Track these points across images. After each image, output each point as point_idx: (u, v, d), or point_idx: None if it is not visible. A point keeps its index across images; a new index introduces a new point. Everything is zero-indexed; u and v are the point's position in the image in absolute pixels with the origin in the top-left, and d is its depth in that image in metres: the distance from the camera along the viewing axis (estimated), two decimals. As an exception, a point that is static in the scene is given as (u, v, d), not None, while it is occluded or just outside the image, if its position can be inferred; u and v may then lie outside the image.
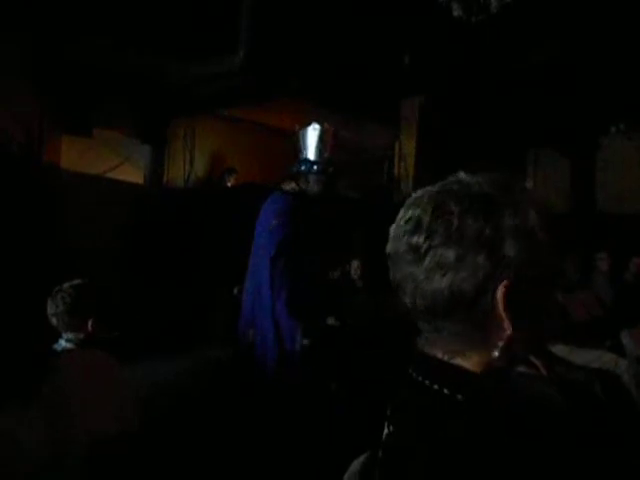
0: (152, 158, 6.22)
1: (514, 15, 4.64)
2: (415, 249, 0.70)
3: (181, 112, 6.12)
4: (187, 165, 6.90)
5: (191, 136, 6.82)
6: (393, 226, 0.75)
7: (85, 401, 1.83)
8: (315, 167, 2.61)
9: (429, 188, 0.76)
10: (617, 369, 2.89)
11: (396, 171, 7.75)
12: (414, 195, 0.76)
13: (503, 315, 0.69)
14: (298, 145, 2.72)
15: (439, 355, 0.73)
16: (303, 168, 2.66)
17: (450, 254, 0.68)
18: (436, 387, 0.71)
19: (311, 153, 2.66)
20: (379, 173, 8.11)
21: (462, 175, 0.75)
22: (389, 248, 0.75)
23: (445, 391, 0.70)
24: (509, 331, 0.70)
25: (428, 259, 0.69)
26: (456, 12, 4.65)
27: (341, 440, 2.14)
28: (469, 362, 0.72)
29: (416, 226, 0.71)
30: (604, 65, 5.87)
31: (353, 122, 7.26)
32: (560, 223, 0.76)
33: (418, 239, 0.70)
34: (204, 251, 5.01)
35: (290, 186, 2.74)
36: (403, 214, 0.74)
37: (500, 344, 0.71)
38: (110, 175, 5.61)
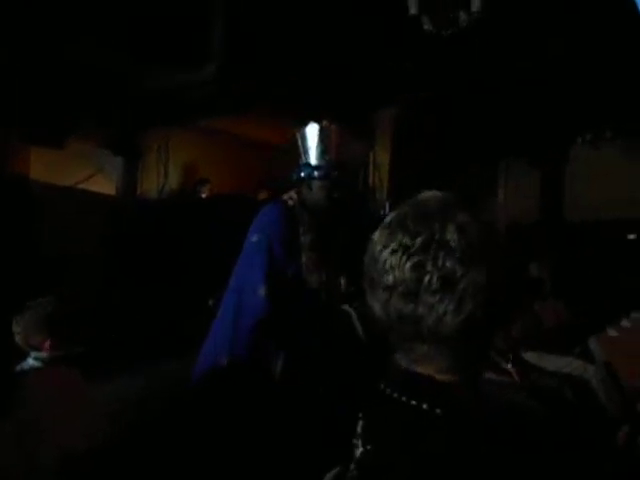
0: (125, 170, 6.14)
1: (484, 28, 4.74)
2: (417, 281, 0.69)
3: (154, 123, 6.08)
4: (161, 177, 6.83)
5: (165, 148, 6.76)
6: (376, 252, 0.73)
7: (54, 417, 1.80)
8: (316, 172, 2.30)
9: (406, 210, 0.74)
10: (586, 374, 2.95)
11: (371, 181, 7.81)
12: (392, 218, 0.74)
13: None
14: (298, 148, 2.42)
15: (417, 370, 0.73)
16: (303, 174, 2.35)
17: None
18: (414, 403, 0.71)
19: (312, 156, 2.35)
20: (355, 182, 8.16)
21: (432, 193, 0.76)
22: (373, 274, 0.73)
23: (424, 406, 0.70)
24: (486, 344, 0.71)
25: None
26: (426, 26, 4.75)
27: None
28: (446, 376, 0.72)
29: (409, 256, 0.69)
30: (572, 76, 6.04)
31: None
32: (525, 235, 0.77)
33: (420, 274, 0.68)
34: (178, 263, 4.96)
35: (288, 195, 2.44)
36: (387, 241, 0.71)
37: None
38: (82, 187, 5.52)
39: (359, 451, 0.75)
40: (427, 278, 0.68)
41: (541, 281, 6.74)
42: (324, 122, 2.36)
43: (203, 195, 6.86)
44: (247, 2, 5.03)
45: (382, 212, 6.33)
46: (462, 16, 4.79)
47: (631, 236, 8.84)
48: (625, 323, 3.73)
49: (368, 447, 0.74)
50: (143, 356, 3.74)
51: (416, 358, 0.73)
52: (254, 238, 2.31)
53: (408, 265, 0.69)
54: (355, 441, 0.76)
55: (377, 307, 0.72)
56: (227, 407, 2.21)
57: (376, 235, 0.74)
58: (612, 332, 3.32)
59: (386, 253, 0.71)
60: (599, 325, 3.84)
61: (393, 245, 0.71)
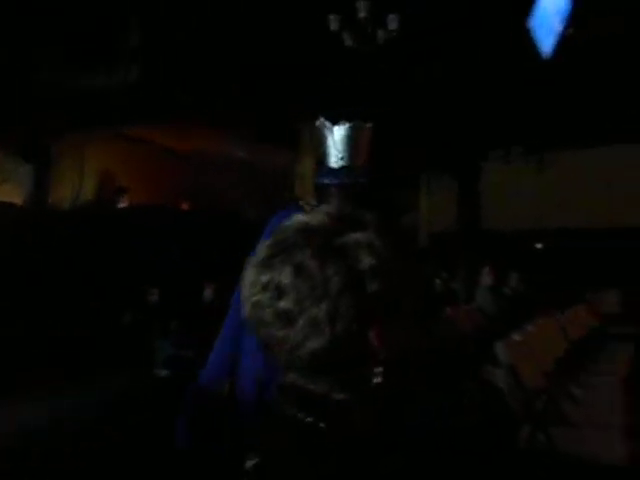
0: (35, 178, 5.80)
1: (400, 44, 4.92)
2: (284, 314, 0.68)
3: (67, 129, 5.79)
4: (76, 186, 6.51)
5: (80, 155, 6.46)
6: (247, 289, 0.72)
7: None
8: (338, 178, 2.01)
9: (272, 241, 0.73)
10: (495, 378, 3.11)
11: (296, 192, 7.85)
12: (261, 254, 0.72)
13: (377, 348, 0.70)
14: (320, 149, 2.08)
15: (309, 387, 0.73)
16: (326, 180, 2.02)
17: (322, 312, 0.67)
18: (302, 417, 0.71)
19: (334, 159, 2.03)
20: (279, 194, 8.17)
21: (304, 218, 0.74)
22: (249, 314, 0.72)
23: (309, 420, 0.71)
24: (383, 356, 0.72)
25: (301, 321, 0.67)
26: (347, 42, 4.88)
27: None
28: (338, 394, 0.73)
29: (279, 292, 0.68)
30: (484, 96, 6.40)
31: (249, 142, 7.29)
32: (408, 243, 0.80)
33: (285, 305, 0.68)
34: (90, 276, 4.72)
35: (304, 201, 2.12)
36: (256, 277, 0.71)
37: (377, 370, 0.72)
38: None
39: (250, 463, 0.75)
40: (266, 315, 0.70)
41: (453, 290, 7.04)
42: (356, 121, 2.03)
43: (121, 205, 6.60)
44: (166, 7, 4.94)
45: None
46: (380, 33, 4.96)
47: (538, 245, 9.49)
48: (529, 327, 3.98)
49: (258, 461, 0.74)
50: (51, 378, 3.50)
51: (304, 376, 0.73)
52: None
53: (252, 301, 0.71)
54: (249, 455, 0.76)
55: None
56: None
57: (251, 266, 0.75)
58: (516, 336, 3.52)
59: (247, 284, 0.73)
60: (509, 329, 4.06)
61: (252, 279, 0.73)
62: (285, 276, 0.68)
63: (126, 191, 6.66)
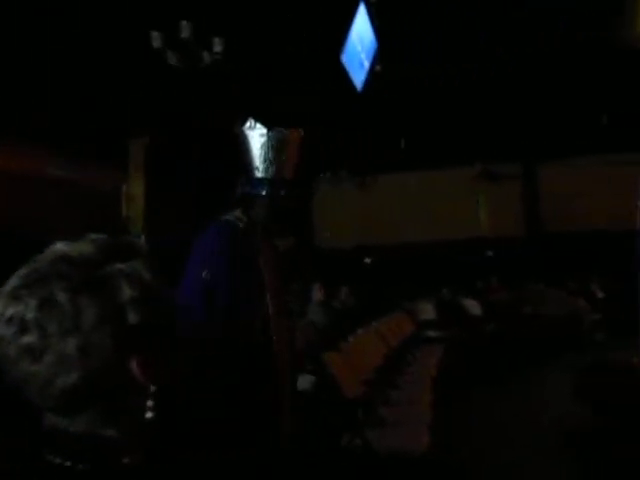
0: None
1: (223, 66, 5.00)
2: (29, 350, 0.65)
3: None
4: None
5: None
6: None
7: None
8: (261, 189, 1.91)
9: (25, 271, 0.69)
10: (318, 390, 3.28)
11: (125, 213, 7.47)
12: (10, 283, 0.68)
13: (142, 380, 0.69)
14: (244, 157, 1.97)
15: (68, 428, 0.71)
16: (247, 189, 1.93)
17: (71, 346, 0.64)
18: (59, 461, 0.69)
19: (254, 168, 1.93)
20: (108, 215, 7.68)
21: (64, 247, 0.71)
22: None
23: (67, 464, 0.69)
24: (153, 389, 0.71)
25: (49, 358, 0.64)
26: (171, 60, 4.81)
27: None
28: (103, 431, 0.71)
29: (23, 327, 0.65)
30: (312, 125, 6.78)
31: (75, 161, 6.77)
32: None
33: (29, 340, 0.65)
34: None
35: (235, 214, 1.94)
36: (2, 310, 0.67)
37: (148, 404, 0.71)
38: None
39: None
40: (11, 351, 0.68)
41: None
42: (276, 129, 1.93)
43: None
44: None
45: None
46: (205, 55, 4.99)
47: (367, 260, 10.28)
48: (350, 339, 4.26)
49: None
50: None
51: (61, 416, 0.71)
52: (204, 273, 1.80)
53: None
54: None
55: None
56: None
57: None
58: (341, 346, 3.75)
59: None
60: (336, 340, 4.29)
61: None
62: (30, 310, 0.65)
63: None
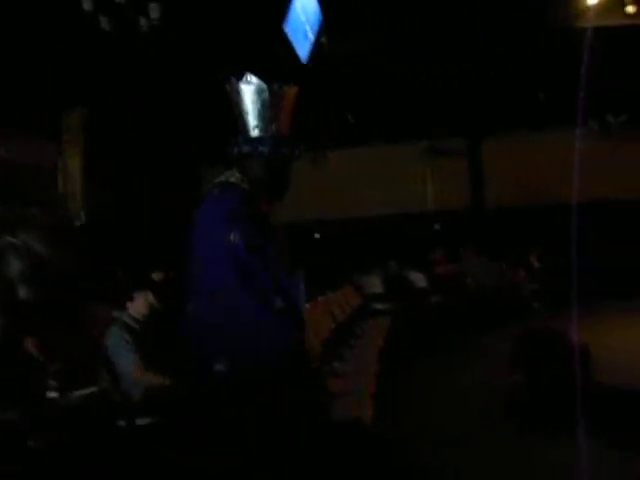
0: None
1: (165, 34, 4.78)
2: None
3: None
4: None
5: None
6: None
7: None
8: (260, 147, 1.78)
9: None
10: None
11: (62, 189, 7.10)
12: None
13: (42, 358, 0.67)
14: (234, 111, 1.81)
15: None
16: (246, 148, 1.79)
17: None
18: None
19: (253, 126, 1.79)
20: (42, 192, 7.29)
21: None
22: None
23: None
24: (56, 368, 0.69)
25: None
26: (104, 25, 4.54)
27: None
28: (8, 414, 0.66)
29: None
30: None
31: (3, 137, 6.36)
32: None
33: None
34: None
35: (234, 177, 1.81)
36: None
37: (52, 384, 0.68)
38: None
39: None
40: None
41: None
42: (276, 84, 1.79)
43: None
44: None
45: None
46: (142, 21, 4.74)
47: (317, 235, 10.30)
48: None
49: None
50: None
51: None
52: (231, 235, 1.68)
53: None
54: None
55: None
56: None
57: None
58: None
59: None
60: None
61: None
62: None
63: None
